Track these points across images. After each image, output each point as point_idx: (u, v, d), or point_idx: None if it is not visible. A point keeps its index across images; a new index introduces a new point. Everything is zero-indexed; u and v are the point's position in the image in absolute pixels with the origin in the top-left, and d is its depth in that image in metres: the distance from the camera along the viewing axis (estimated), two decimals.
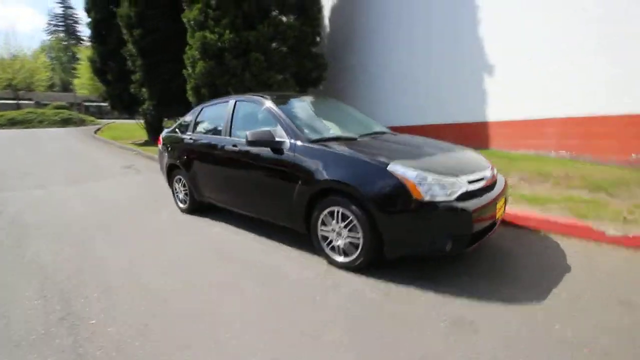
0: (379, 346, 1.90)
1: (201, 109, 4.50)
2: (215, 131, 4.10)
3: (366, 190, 2.53)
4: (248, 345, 1.94)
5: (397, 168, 2.51)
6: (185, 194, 4.60)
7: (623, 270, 2.67)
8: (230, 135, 3.79)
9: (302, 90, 10.13)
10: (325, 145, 2.95)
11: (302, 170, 2.94)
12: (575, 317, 2.09)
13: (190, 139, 4.36)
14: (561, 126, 6.05)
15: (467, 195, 2.51)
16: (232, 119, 3.84)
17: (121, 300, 2.44)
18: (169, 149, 4.76)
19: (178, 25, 10.11)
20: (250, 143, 3.19)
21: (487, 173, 2.85)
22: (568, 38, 5.79)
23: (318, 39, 9.91)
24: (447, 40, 7.83)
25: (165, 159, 4.83)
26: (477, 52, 7.18)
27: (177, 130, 4.75)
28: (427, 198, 2.38)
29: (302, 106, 3.81)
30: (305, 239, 3.21)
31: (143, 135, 14.85)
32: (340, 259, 2.80)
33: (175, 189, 4.73)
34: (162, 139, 5.02)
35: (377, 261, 2.68)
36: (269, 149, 3.20)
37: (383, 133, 3.74)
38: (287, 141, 3.10)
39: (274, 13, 9.19)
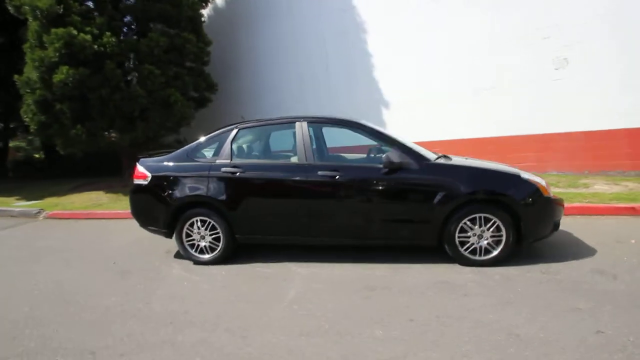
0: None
1: (236, 132, 3.56)
2: (277, 157, 3.47)
3: (515, 196, 2.98)
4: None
5: (527, 176, 3.10)
6: (215, 238, 3.47)
7: None
8: (313, 161, 3.32)
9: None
10: (449, 163, 3.24)
11: (439, 186, 3.06)
12: None
13: (234, 167, 3.41)
14: (446, 145, 8.25)
15: None
16: (311, 143, 3.38)
17: None
18: (179, 183, 3.47)
19: None
20: (391, 168, 3.06)
21: None
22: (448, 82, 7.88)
23: (207, 58, 9.08)
24: (343, 76, 9.02)
25: (169, 198, 3.47)
26: (373, 87, 8.66)
27: (192, 158, 3.54)
28: (550, 195, 3.19)
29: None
30: (400, 251, 3.34)
31: None
32: (479, 257, 3.07)
33: (189, 236, 3.46)
34: (152, 170, 3.55)
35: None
36: (385, 170, 3.12)
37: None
38: (414, 162, 3.13)
39: (159, 26, 7.81)
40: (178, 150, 3.63)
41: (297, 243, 3.46)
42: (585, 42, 6.13)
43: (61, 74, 6.22)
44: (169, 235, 3.59)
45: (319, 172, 3.22)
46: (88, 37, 6.35)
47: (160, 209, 3.51)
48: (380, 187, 3.16)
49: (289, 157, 3.57)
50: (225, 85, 10.05)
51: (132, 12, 7.18)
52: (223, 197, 3.35)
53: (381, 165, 3.15)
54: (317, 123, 3.46)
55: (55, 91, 6.50)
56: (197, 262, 3.49)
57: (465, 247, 3.11)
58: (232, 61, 10.39)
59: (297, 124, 3.42)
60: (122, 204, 6.71)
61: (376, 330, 2.23)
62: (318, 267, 3.29)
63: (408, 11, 7.72)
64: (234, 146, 3.48)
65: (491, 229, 3.05)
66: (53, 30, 6.19)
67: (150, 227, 3.69)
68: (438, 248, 3.23)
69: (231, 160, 3.43)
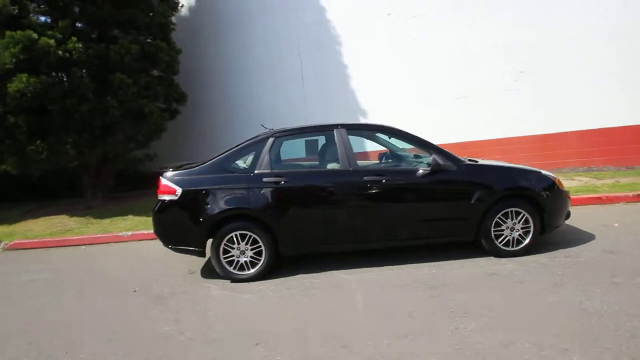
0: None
1: (273, 140, 3.42)
2: (326, 163, 3.42)
3: (540, 190, 3.31)
4: None
5: (544, 172, 3.49)
6: (257, 253, 3.29)
7: None
8: (357, 167, 3.33)
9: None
10: (480, 163, 3.48)
11: (476, 185, 3.28)
12: None
13: (277, 176, 3.27)
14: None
15: None
16: (348, 148, 3.40)
17: None
18: (216, 196, 3.21)
19: None
20: (437, 170, 3.22)
21: None
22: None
23: (177, 67, 8.57)
24: (318, 87, 9.16)
25: (204, 213, 3.20)
26: (349, 96, 8.93)
27: (227, 169, 3.33)
28: (563, 188, 3.60)
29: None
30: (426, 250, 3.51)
31: None
32: (511, 247, 3.33)
33: (227, 252, 3.22)
34: (182, 185, 3.23)
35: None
36: (425, 172, 3.28)
37: None
38: (452, 164, 3.29)
39: (131, 32, 7.24)
40: (208, 162, 3.39)
41: (346, 250, 3.44)
42: (538, 59, 7.07)
43: (19, 82, 5.40)
44: (202, 254, 3.32)
45: (365, 177, 3.26)
46: (52, 41, 5.63)
47: (193, 226, 3.24)
48: (423, 189, 3.31)
49: (325, 164, 3.55)
50: (192, 96, 9.56)
51: (100, 17, 6.53)
52: (266, 208, 3.21)
53: (419, 168, 3.32)
54: (355, 129, 3.50)
55: (9, 102, 5.62)
56: (236, 280, 3.27)
57: (499, 240, 3.37)
58: (198, 72, 9.94)
59: (336, 130, 3.43)
60: (95, 227, 5.99)
61: (469, 322, 2.32)
62: (364, 272, 3.29)
63: (384, 26, 8.17)
64: (272, 155, 3.37)
65: (521, 221, 3.36)
66: (8, 33, 5.38)
67: (179, 247, 3.38)
68: (473, 243, 3.45)
69: (271, 169, 3.31)
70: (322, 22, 8.74)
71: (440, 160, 3.20)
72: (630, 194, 5.09)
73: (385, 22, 8.11)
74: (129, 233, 5.32)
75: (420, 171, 3.29)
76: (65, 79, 6.15)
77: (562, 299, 2.54)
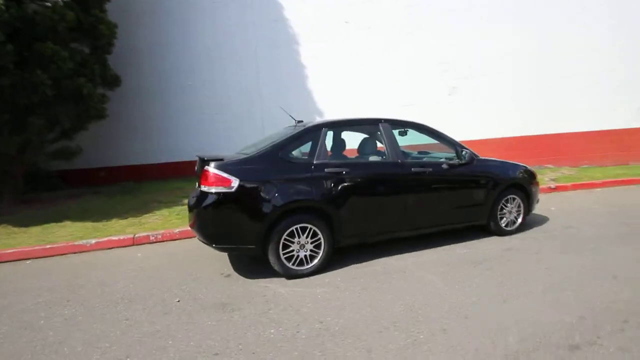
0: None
1: (323, 132, 3.25)
2: (368, 155, 3.47)
3: (527, 180, 4.11)
4: None
5: (529, 166, 4.33)
6: (316, 246, 3.12)
7: None
8: (404, 159, 3.52)
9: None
10: (489, 158, 4.08)
11: (491, 176, 3.87)
12: None
13: (339, 166, 3.16)
14: None
15: None
16: (394, 141, 3.55)
17: None
18: (278, 188, 2.92)
19: None
20: (469, 162, 3.69)
21: None
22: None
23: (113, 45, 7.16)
24: (275, 85, 8.89)
25: (266, 206, 2.88)
26: (305, 96, 8.94)
27: (286, 159, 3.09)
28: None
29: None
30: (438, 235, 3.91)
31: None
32: (509, 227, 4.05)
33: (286, 248, 3.01)
34: (240, 175, 2.85)
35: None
36: (452, 165, 3.72)
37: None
38: (474, 157, 3.81)
39: None
40: (262, 151, 3.09)
41: (397, 237, 3.58)
42: (470, 76, 8.52)
43: None
44: (259, 251, 3.02)
45: (413, 169, 3.50)
46: None
47: (251, 221, 2.92)
48: (456, 179, 3.74)
49: (370, 156, 3.65)
50: (124, 81, 8.13)
51: None
52: (330, 199, 3.12)
53: (451, 161, 3.76)
54: (395, 125, 3.68)
55: None
56: (294, 276, 3.08)
57: (502, 222, 4.05)
58: (133, 56, 8.51)
59: (381, 125, 3.57)
60: (24, 237, 4.59)
61: (538, 284, 2.79)
62: (410, 257, 3.50)
63: (342, 33, 8.55)
64: (327, 146, 3.29)
65: (516, 206, 4.12)
66: None
67: (229, 246, 2.99)
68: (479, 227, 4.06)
69: (329, 160, 3.24)
70: (280, 20, 8.59)
71: (473, 155, 3.68)
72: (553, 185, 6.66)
73: (343, 28, 8.51)
74: (93, 241, 4.28)
75: (453, 163, 3.71)
76: None
77: (570, 263, 3.22)
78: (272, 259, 3.01)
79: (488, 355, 1.95)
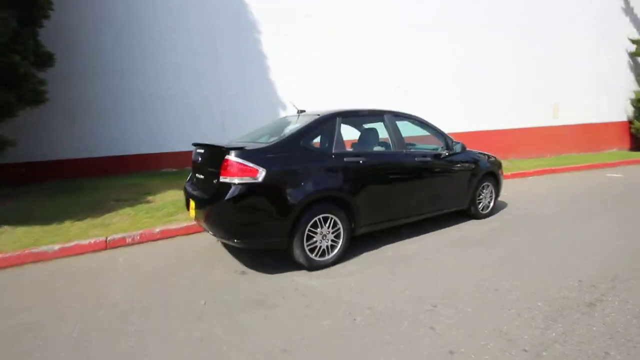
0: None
1: (338, 121, 3.17)
2: (376, 146, 3.53)
3: (497, 167, 4.62)
4: None
5: (493, 154, 4.87)
6: (336, 235, 3.08)
7: None
8: (407, 149, 3.66)
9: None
10: (471, 149, 4.46)
11: (474, 164, 4.27)
12: None
13: (357, 156, 3.14)
14: None
15: None
16: (398, 132, 3.66)
17: None
18: (304, 177, 2.80)
19: None
20: (459, 152, 4.02)
21: None
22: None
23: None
24: (236, 75, 8.38)
25: (294, 196, 2.74)
26: (268, 88, 8.60)
27: (308, 149, 2.99)
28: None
29: None
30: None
31: None
32: (484, 211, 4.52)
33: (310, 239, 2.94)
34: (267, 164, 2.67)
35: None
36: (446, 154, 4.02)
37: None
38: (465, 148, 4.16)
39: None
40: (283, 139, 2.95)
41: (406, 223, 3.72)
42: (416, 77, 9.14)
43: None
44: (284, 245, 2.89)
45: (416, 159, 3.69)
46: None
47: (278, 212, 2.78)
48: (448, 168, 4.05)
49: (372, 146, 3.74)
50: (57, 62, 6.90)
51: None
52: (351, 188, 3.13)
53: (446, 150, 4.06)
54: (397, 116, 3.81)
55: None
56: (316, 267, 3.03)
57: (480, 206, 4.52)
58: (65, 31, 7.23)
59: (385, 116, 3.67)
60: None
61: (532, 256, 3.19)
62: (413, 242, 3.71)
63: (305, 25, 8.46)
64: (343, 136, 3.28)
65: (489, 192, 4.62)
66: None
67: (255, 240, 2.80)
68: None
69: (346, 149, 3.23)
70: (241, 5, 8.13)
71: (464, 146, 4.02)
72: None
73: (306, 22, 8.43)
74: (56, 247, 3.60)
75: (446, 152, 4.00)
76: None
77: (545, 234, 3.80)
78: (297, 251, 2.91)
79: (531, 318, 2.19)
